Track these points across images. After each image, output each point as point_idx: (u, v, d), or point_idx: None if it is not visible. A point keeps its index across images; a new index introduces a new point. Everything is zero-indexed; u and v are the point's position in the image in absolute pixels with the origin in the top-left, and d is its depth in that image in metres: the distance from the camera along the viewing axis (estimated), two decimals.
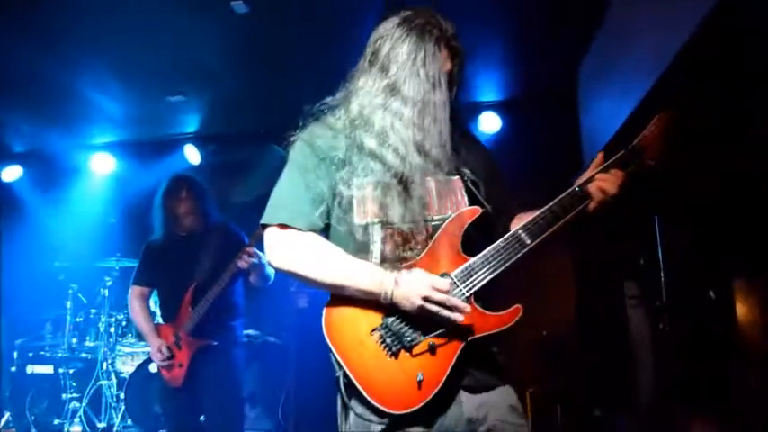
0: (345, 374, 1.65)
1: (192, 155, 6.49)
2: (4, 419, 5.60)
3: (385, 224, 1.74)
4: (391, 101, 1.77)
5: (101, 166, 6.73)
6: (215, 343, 3.60)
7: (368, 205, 1.75)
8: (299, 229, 1.75)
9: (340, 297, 1.72)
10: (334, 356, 1.67)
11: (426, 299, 1.62)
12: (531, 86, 5.50)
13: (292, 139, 1.90)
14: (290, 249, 1.75)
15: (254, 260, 3.55)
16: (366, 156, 1.76)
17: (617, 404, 4.26)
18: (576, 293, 5.21)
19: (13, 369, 5.76)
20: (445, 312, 1.62)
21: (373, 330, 1.68)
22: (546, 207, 1.77)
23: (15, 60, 4.76)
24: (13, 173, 6.90)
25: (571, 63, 4.94)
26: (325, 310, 1.73)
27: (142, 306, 3.81)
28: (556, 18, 4.25)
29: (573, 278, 5.25)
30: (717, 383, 3.07)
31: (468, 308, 1.65)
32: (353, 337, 1.68)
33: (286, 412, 5.02)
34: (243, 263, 3.52)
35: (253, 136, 6.36)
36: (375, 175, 1.75)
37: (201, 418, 3.67)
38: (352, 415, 1.69)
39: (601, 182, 1.76)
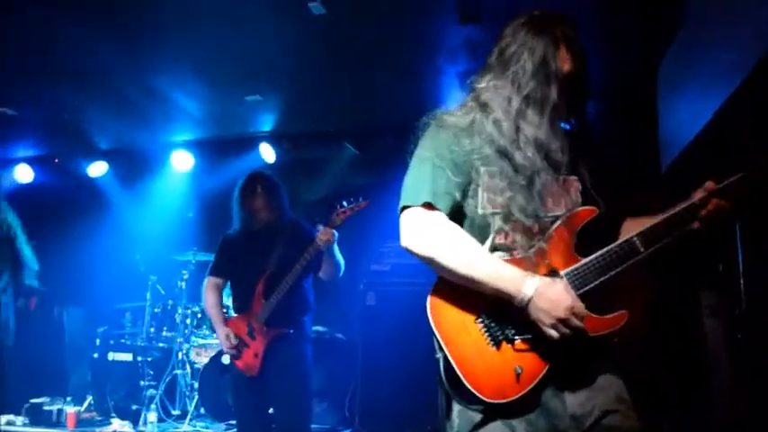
0: (446, 357, 1.67)
1: (268, 153, 6.63)
2: (86, 403, 5.85)
3: (503, 216, 1.74)
4: (516, 101, 1.78)
5: (181, 163, 6.96)
6: (290, 331, 3.69)
7: (490, 196, 1.76)
8: (443, 212, 1.74)
9: (448, 281, 1.74)
10: (437, 338, 1.69)
11: (564, 322, 1.62)
12: (608, 82, 5.38)
13: (423, 125, 1.90)
14: (436, 235, 1.72)
15: (333, 241, 3.64)
16: (493, 151, 1.77)
17: (689, 418, 4.12)
18: (648, 300, 5.06)
19: (96, 355, 5.99)
20: (569, 336, 1.63)
21: (478, 318, 1.71)
22: (663, 217, 1.75)
23: (102, 61, 4.96)
24: (98, 168, 7.20)
25: (650, 64, 4.81)
26: (431, 293, 1.74)
27: (214, 296, 3.93)
28: (638, 11, 4.13)
29: (646, 284, 5.10)
30: None
31: (583, 329, 1.64)
32: (458, 322, 1.71)
33: (352, 408, 5.07)
34: (322, 238, 3.60)
35: (326, 135, 6.48)
36: (500, 169, 1.76)
37: (270, 410, 3.76)
38: (452, 400, 1.73)
39: (714, 204, 1.73)
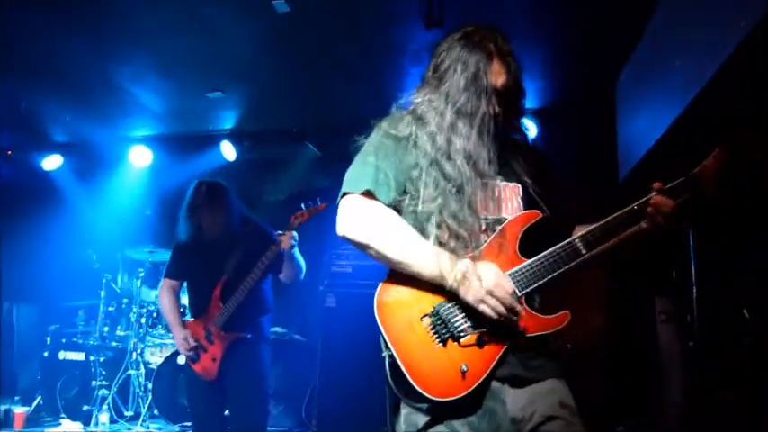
0: (392, 356, 1.69)
1: (228, 151, 6.53)
2: (35, 403, 5.71)
3: (438, 224, 1.77)
4: (448, 114, 1.83)
5: (139, 159, 6.80)
6: (248, 336, 3.64)
7: (425, 206, 1.80)
8: (381, 202, 1.79)
9: (395, 280, 1.78)
10: (383, 337, 1.72)
11: (490, 293, 1.67)
12: (568, 96, 5.46)
13: (374, 125, 1.96)
14: (370, 219, 1.78)
15: (292, 244, 3.62)
16: (427, 163, 1.83)
17: (641, 421, 4.20)
18: (605, 306, 5.14)
19: (46, 354, 5.85)
20: (501, 310, 1.68)
21: (424, 316, 1.74)
22: (604, 221, 1.83)
23: (60, 52, 4.85)
24: (53, 162, 7.00)
25: (610, 74, 4.90)
26: (378, 292, 1.78)
27: (171, 298, 3.87)
28: (596, 28, 4.22)
29: (603, 290, 5.18)
30: (747, 407, 3.01)
31: (521, 311, 1.72)
32: (404, 321, 1.73)
33: (309, 411, 5.03)
34: (281, 242, 3.59)
35: (288, 134, 6.42)
36: (433, 180, 1.81)
37: (226, 412, 3.71)
38: (400, 403, 1.75)
39: (657, 204, 1.80)
